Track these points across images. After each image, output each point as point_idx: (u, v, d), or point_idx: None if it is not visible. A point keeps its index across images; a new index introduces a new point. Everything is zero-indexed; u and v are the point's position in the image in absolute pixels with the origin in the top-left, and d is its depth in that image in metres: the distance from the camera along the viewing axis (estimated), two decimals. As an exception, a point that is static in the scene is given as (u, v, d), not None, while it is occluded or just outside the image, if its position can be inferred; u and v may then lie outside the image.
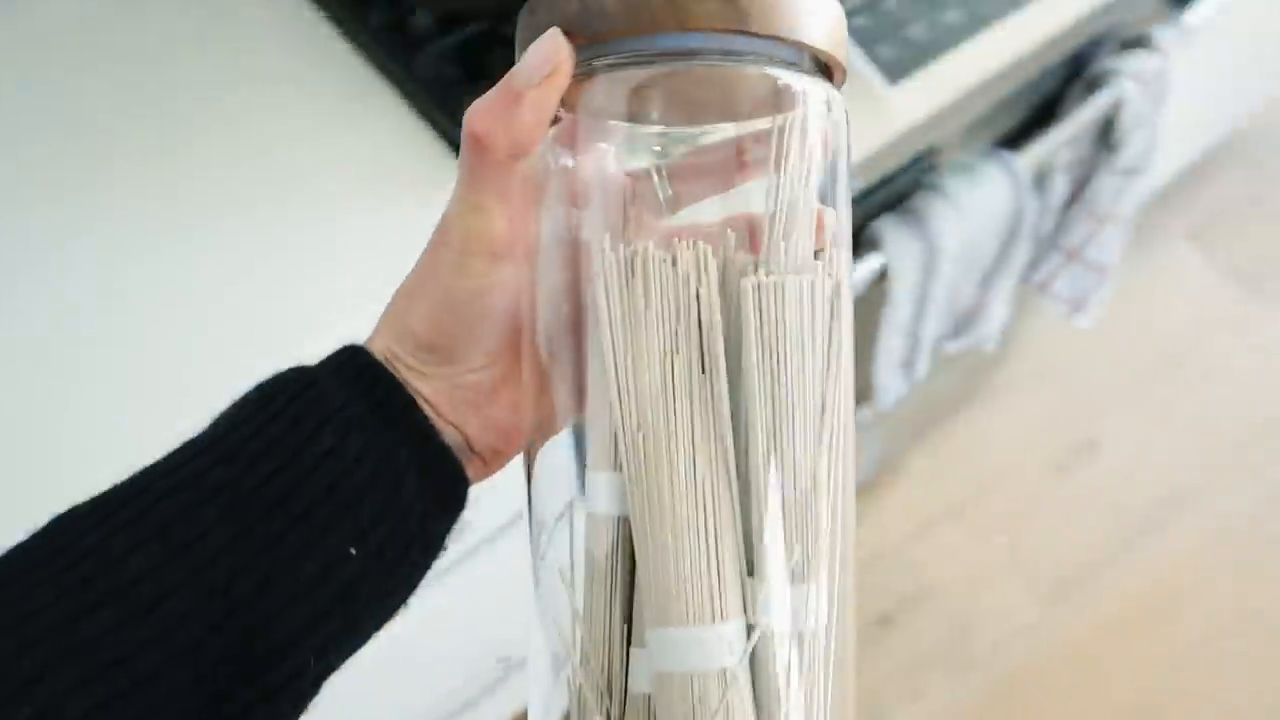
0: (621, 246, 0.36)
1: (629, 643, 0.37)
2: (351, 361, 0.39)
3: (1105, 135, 1.11)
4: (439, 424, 0.39)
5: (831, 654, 0.34)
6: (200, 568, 0.33)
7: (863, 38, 0.87)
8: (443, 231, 0.37)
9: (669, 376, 0.35)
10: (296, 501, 0.35)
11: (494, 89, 0.36)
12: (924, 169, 0.98)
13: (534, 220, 0.38)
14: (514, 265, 0.37)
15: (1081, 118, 1.04)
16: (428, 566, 0.39)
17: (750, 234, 0.37)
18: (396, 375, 0.38)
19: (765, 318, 0.34)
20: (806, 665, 0.34)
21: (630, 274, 0.36)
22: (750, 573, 0.35)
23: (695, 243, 0.36)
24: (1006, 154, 1.03)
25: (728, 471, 0.35)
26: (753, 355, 0.34)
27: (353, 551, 0.35)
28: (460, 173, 0.37)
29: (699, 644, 0.34)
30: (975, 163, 1.00)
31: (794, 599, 0.34)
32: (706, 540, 0.34)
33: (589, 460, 0.38)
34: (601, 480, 0.37)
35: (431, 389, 0.39)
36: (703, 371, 0.35)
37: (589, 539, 0.38)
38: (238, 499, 0.34)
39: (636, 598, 0.37)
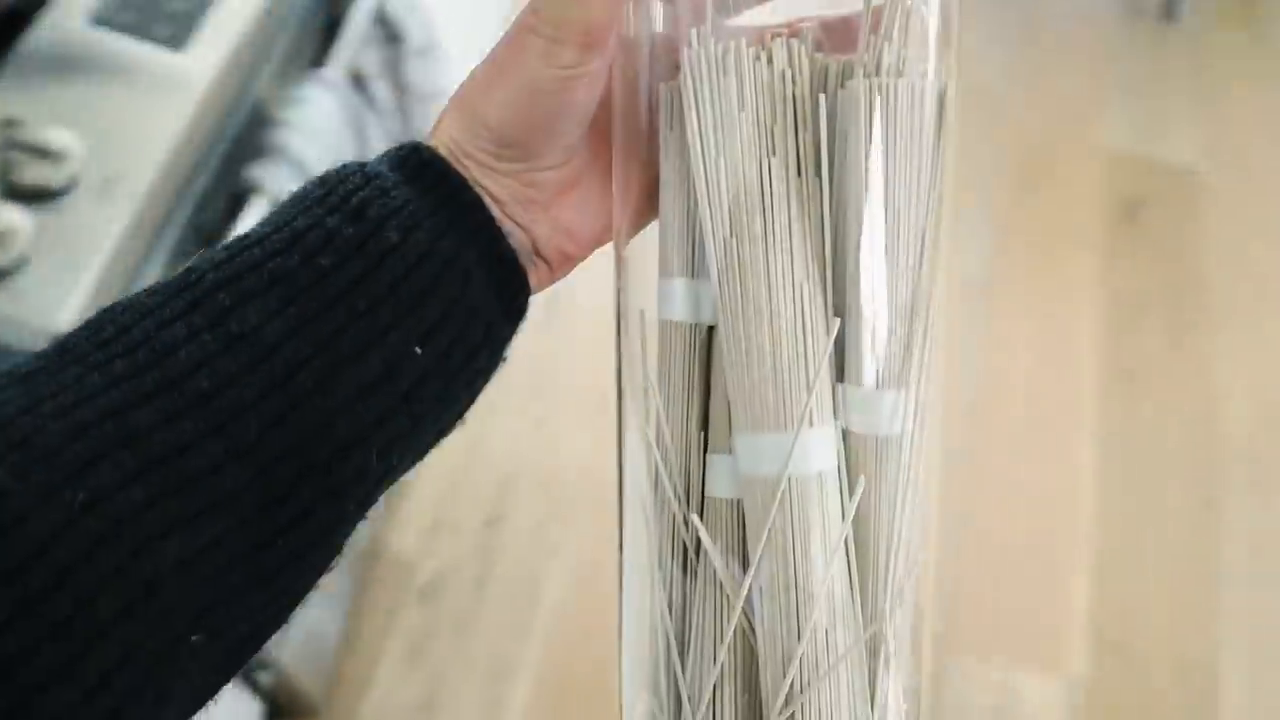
0: (712, 42, 0.35)
1: (705, 450, 0.37)
2: (414, 157, 0.36)
3: (388, 31, 1.19)
4: (505, 225, 0.36)
5: (920, 459, 0.35)
6: (257, 360, 0.31)
7: (132, 28, 0.90)
8: (532, 15, 0.35)
9: (766, 179, 0.34)
10: (359, 297, 0.33)
11: None
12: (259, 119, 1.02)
13: (628, 11, 0.36)
14: (604, 58, 0.35)
15: (357, 22, 1.11)
16: (491, 372, 0.37)
17: (838, 35, 0.36)
18: (464, 172, 0.36)
19: (882, 118, 0.33)
20: (894, 469, 0.35)
21: (722, 72, 0.35)
22: (840, 379, 0.35)
23: (789, 40, 0.35)
24: (317, 72, 1.08)
25: (823, 277, 0.35)
26: (862, 158, 0.33)
27: (418, 350, 0.34)
28: None
29: (795, 449, 0.34)
30: (299, 92, 1.04)
31: (885, 404, 0.35)
32: (802, 345, 0.34)
33: (661, 268, 0.37)
34: (677, 287, 0.37)
35: (500, 187, 0.36)
36: (799, 174, 0.35)
37: (663, 346, 0.37)
38: (296, 292, 0.32)
39: (712, 406, 0.37)
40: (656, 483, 0.36)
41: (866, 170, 0.33)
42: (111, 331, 0.31)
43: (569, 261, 0.39)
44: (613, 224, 0.38)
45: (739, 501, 0.35)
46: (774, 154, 0.34)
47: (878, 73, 0.34)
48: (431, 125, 0.38)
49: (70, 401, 0.29)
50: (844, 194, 0.34)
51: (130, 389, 0.30)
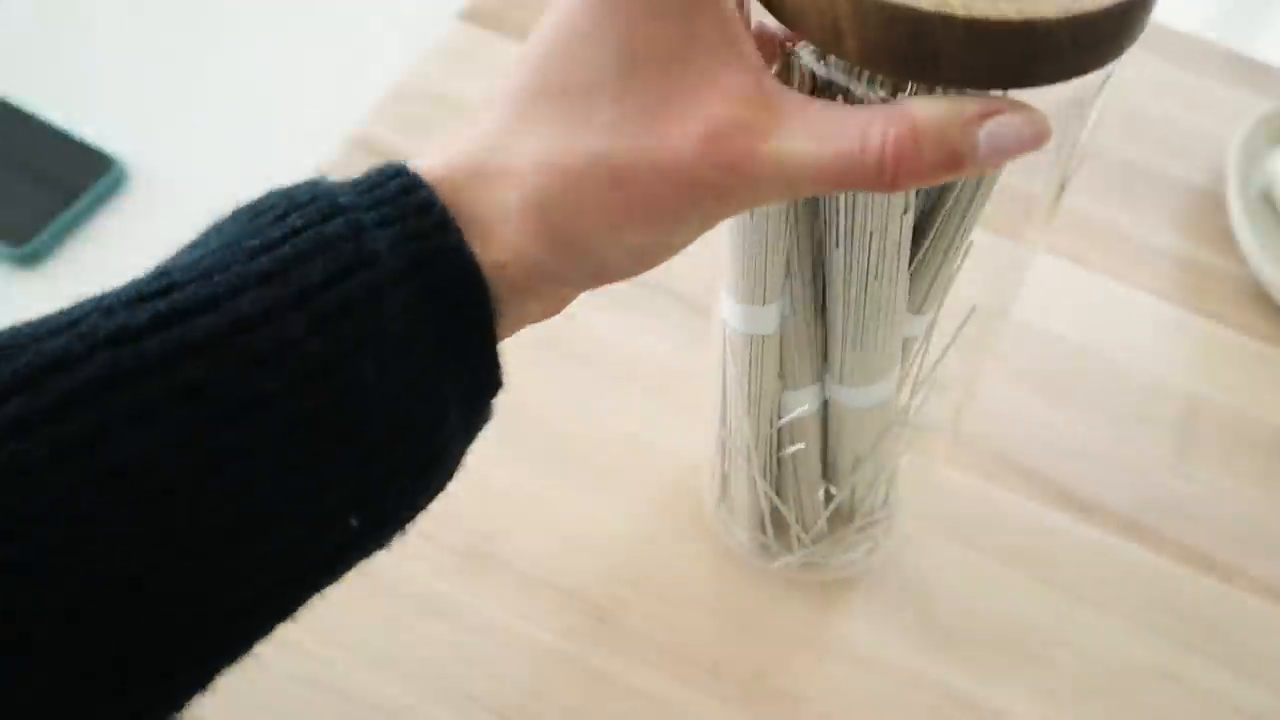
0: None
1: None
2: (445, 267, 0.26)
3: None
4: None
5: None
6: (143, 499, 0.23)
7: None
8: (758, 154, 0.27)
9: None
10: (293, 429, 0.25)
11: None
12: None
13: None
14: None
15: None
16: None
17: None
18: (510, 296, 0.28)
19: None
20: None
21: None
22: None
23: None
24: None
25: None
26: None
27: (353, 524, 0.27)
28: None
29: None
30: None
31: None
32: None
33: (739, 295, 0.39)
34: (751, 311, 0.40)
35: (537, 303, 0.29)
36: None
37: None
38: (205, 420, 0.24)
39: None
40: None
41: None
42: None
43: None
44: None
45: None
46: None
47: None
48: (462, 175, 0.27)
49: None
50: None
51: None
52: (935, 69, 0.27)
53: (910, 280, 0.37)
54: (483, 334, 0.27)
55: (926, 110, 0.27)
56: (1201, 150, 0.73)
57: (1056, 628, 0.54)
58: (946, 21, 0.26)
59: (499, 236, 0.27)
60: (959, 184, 0.34)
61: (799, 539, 0.50)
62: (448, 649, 0.51)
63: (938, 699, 0.52)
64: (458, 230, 0.26)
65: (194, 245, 0.26)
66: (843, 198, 0.34)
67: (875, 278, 0.36)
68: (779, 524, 0.50)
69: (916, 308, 0.39)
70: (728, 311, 0.41)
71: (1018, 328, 0.62)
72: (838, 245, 0.35)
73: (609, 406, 0.58)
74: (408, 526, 0.29)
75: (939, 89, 0.28)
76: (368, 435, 0.26)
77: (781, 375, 0.42)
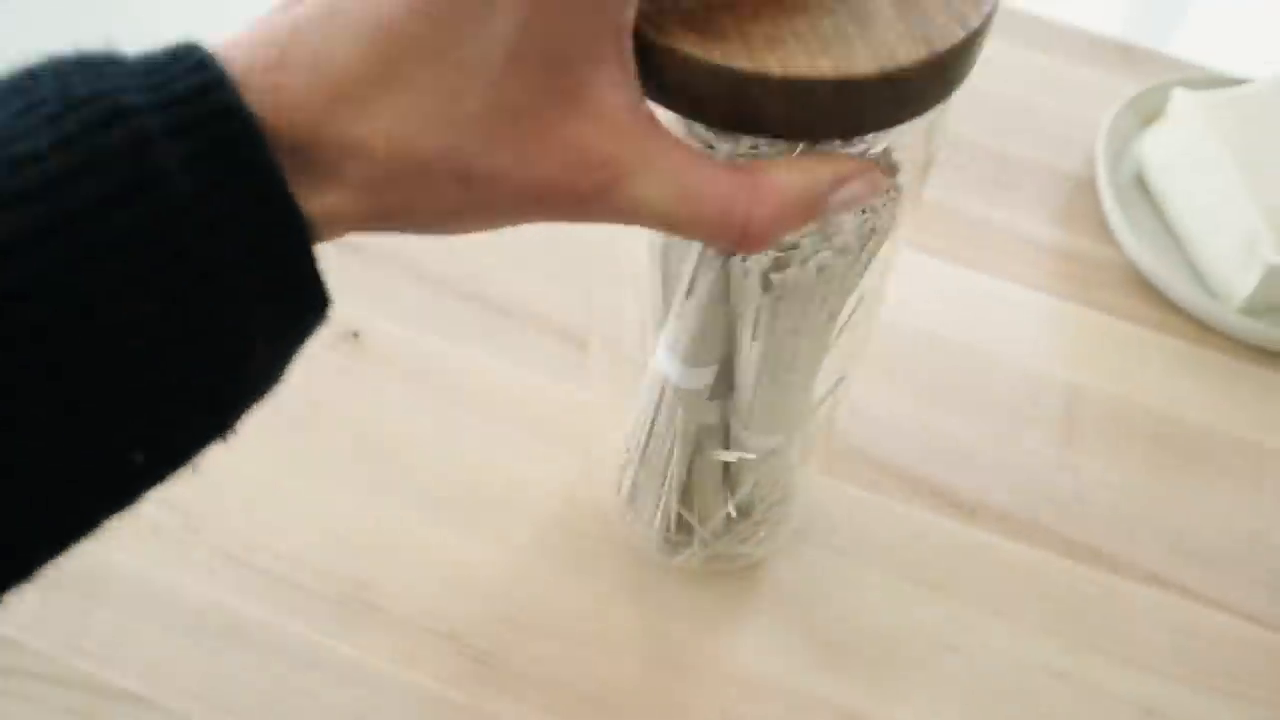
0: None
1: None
2: (221, 132, 0.22)
3: None
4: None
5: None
6: None
7: None
8: None
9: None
10: (49, 375, 0.22)
11: None
12: None
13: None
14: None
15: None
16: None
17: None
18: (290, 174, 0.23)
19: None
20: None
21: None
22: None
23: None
24: None
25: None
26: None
27: (137, 459, 0.24)
28: None
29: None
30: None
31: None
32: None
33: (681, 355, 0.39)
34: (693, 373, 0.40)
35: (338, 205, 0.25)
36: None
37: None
38: None
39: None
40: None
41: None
42: None
43: None
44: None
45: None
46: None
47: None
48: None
49: None
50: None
51: None
52: (759, 124, 0.28)
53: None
54: (300, 264, 0.24)
55: (786, 182, 0.28)
56: (1072, 137, 0.73)
57: (945, 633, 0.53)
58: (763, 80, 0.26)
59: (315, 188, 0.24)
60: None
61: (701, 539, 0.50)
62: (328, 703, 0.50)
63: (829, 718, 0.51)
64: (267, 148, 0.23)
65: None
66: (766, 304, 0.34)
67: (789, 371, 0.36)
68: (684, 521, 0.50)
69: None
70: (663, 362, 0.41)
71: (892, 330, 0.62)
72: (755, 339, 0.35)
73: (479, 441, 0.57)
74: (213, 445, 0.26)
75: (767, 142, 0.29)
76: (145, 379, 0.23)
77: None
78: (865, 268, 0.35)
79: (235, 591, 0.51)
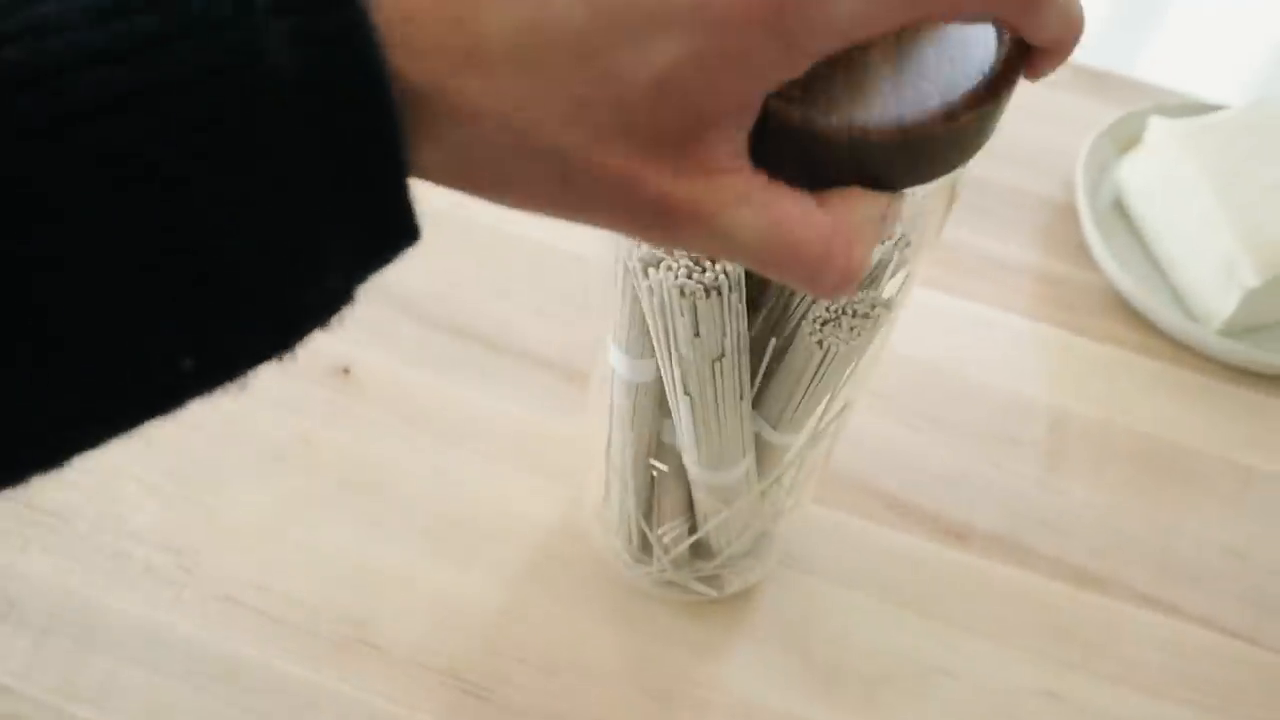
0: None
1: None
2: (347, 51, 0.21)
3: None
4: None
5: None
6: None
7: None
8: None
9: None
10: (109, 249, 0.20)
11: None
12: None
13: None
14: None
15: None
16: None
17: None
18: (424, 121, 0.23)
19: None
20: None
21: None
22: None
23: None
24: None
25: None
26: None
27: (186, 365, 0.23)
28: None
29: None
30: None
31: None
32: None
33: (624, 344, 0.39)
34: (633, 365, 0.40)
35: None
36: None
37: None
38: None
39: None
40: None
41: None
42: None
43: None
44: None
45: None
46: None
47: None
48: None
49: None
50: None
51: None
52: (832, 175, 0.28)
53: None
54: (392, 188, 0.23)
55: (864, 216, 0.27)
56: (1052, 163, 0.74)
57: (937, 658, 0.54)
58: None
59: (417, 136, 0.23)
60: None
61: (659, 558, 0.50)
62: (326, 743, 0.50)
63: (823, 743, 0.51)
64: (378, 45, 0.21)
65: None
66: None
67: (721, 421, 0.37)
68: (646, 541, 0.50)
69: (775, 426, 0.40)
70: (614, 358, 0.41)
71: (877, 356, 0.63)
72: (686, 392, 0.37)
73: (471, 475, 0.58)
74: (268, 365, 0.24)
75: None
76: (211, 280, 0.21)
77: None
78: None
79: (230, 633, 0.52)
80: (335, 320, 0.24)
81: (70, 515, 0.54)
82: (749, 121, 0.26)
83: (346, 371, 0.60)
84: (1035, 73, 0.29)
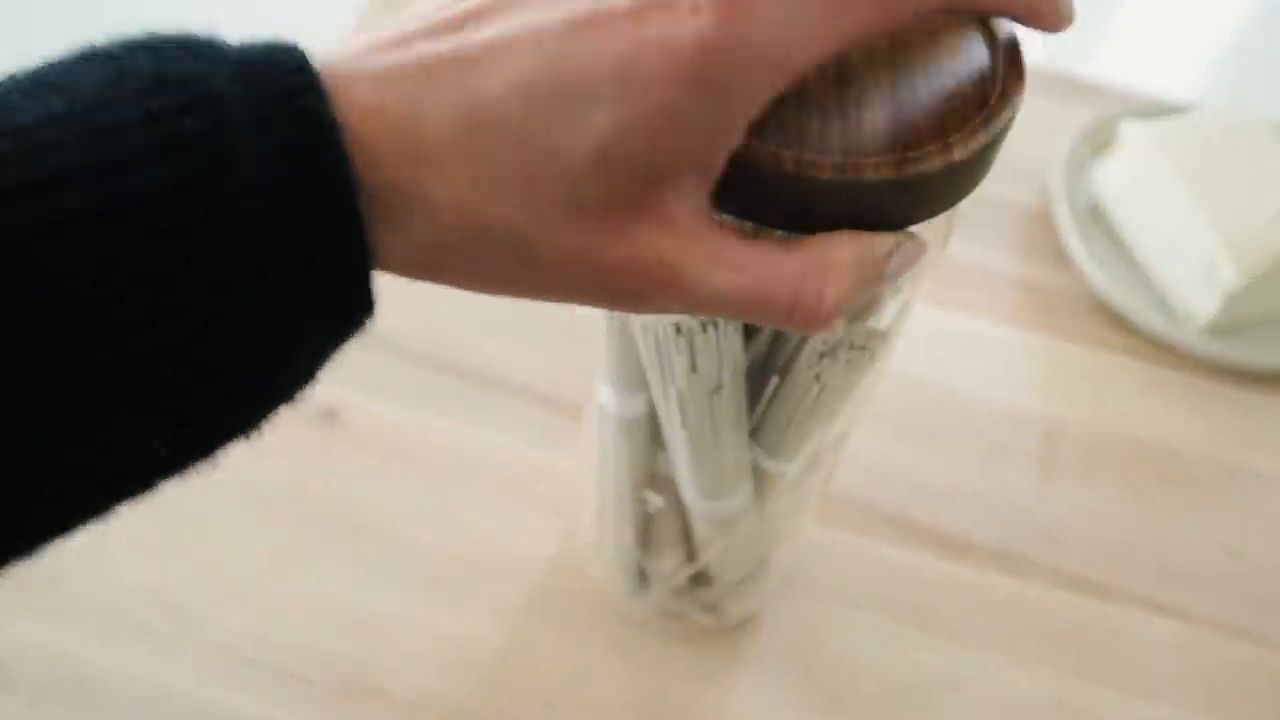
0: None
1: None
2: (312, 164, 0.23)
3: None
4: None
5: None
6: None
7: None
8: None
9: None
10: (87, 346, 0.21)
11: None
12: None
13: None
14: None
15: None
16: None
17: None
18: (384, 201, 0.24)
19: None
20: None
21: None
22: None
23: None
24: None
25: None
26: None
27: (159, 450, 0.24)
28: None
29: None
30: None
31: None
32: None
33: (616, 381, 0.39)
34: (626, 401, 0.40)
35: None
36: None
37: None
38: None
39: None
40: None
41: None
42: None
43: None
44: None
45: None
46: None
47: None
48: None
49: None
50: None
51: None
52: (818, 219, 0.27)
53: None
54: (356, 280, 0.24)
55: (851, 256, 0.27)
56: (1029, 170, 0.74)
57: (943, 673, 0.54)
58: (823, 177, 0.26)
59: (377, 231, 0.24)
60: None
61: (657, 588, 0.50)
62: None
63: (834, 766, 0.51)
64: (347, 160, 0.23)
65: (48, 82, 0.22)
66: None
67: (714, 431, 0.37)
68: (644, 572, 0.50)
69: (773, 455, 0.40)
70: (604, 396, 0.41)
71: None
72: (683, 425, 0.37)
73: (466, 513, 0.57)
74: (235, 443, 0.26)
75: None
76: (182, 370, 0.23)
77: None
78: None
79: (229, 686, 0.51)
80: (299, 398, 0.26)
81: (58, 575, 0.53)
82: (708, 178, 0.26)
83: (333, 415, 0.59)
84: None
